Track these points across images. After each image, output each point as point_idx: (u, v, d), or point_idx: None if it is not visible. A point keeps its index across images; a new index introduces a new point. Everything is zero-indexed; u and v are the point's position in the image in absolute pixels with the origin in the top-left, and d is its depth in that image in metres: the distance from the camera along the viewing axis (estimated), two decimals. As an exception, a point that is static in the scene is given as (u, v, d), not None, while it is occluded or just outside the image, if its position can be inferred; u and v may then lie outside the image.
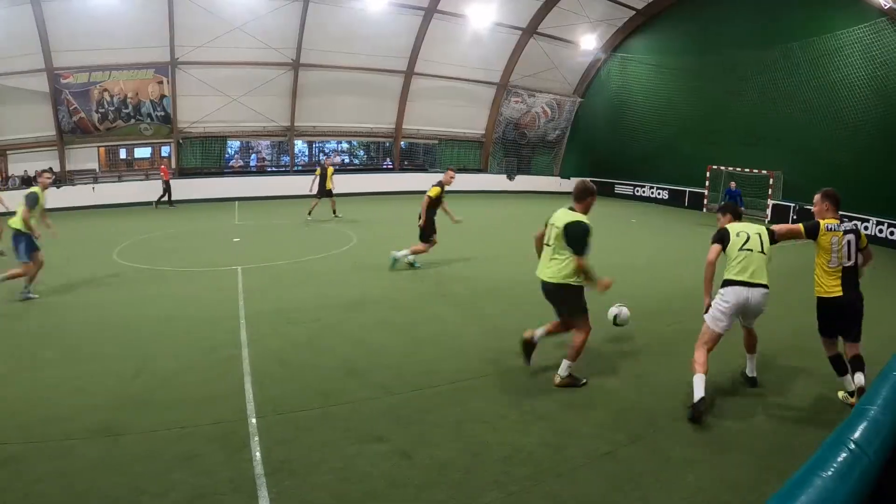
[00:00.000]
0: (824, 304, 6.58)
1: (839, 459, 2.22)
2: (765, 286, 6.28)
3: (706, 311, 6.51)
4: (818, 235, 6.49)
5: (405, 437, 5.29)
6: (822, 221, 6.62)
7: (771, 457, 5.13)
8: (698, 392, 5.79)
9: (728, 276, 6.33)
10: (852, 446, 2.31)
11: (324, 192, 19.78)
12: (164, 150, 26.77)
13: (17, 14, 20.81)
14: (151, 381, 6.45)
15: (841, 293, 6.45)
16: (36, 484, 4.49)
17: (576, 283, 6.59)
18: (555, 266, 6.66)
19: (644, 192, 30.25)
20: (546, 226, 6.83)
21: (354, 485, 4.54)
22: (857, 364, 6.34)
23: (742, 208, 10.41)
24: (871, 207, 20.02)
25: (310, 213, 19.79)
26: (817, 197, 6.97)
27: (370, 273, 11.99)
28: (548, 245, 6.78)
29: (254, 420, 5.55)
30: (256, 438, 5.20)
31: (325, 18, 25.25)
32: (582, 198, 6.64)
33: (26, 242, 9.59)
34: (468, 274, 11.98)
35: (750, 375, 6.82)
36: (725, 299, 6.26)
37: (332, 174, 20.18)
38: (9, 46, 21.38)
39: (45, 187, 10.03)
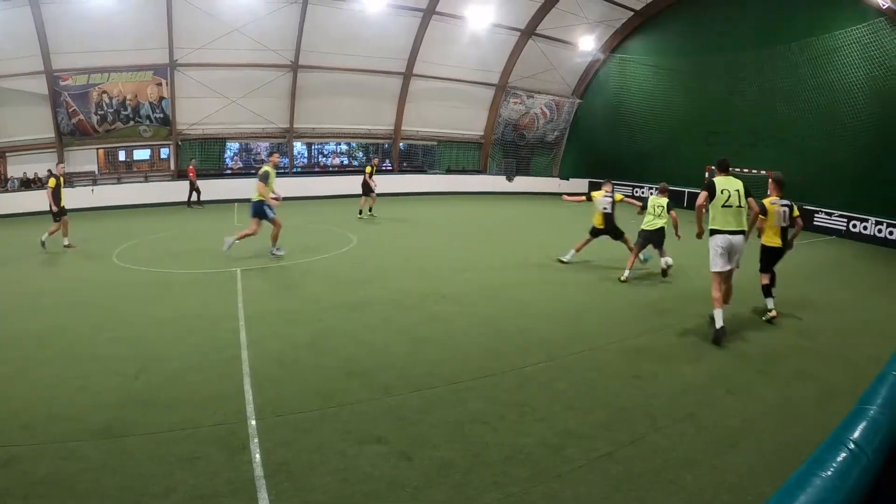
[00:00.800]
0: (768, 251, 9.81)
1: (838, 459, 2.22)
2: (742, 232, 8.48)
3: (698, 236, 9.13)
4: (767, 208, 9.55)
5: (405, 438, 5.29)
6: (769, 199, 9.64)
7: (771, 457, 5.14)
8: (718, 322, 8.22)
9: (714, 227, 8.47)
10: (851, 446, 2.32)
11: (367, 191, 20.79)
12: (164, 152, 26.76)
13: (16, 16, 20.83)
14: (153, 381, 6.45)
15: (780, 244, 9.71)
16: (38, 485, 4.48)
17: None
18: (742, 217, 8.49)
19: (643, 192, 30.27)
20: (719, 194, 8.40)
21: (354, 486, 4.53)
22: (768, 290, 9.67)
23: None
24: (870, 207, 20.09)
25: (370, 211, 21.44)
26: (770, 182, 9.88)
27: (370, 274, 12.00)
28: (729, 207, 8.39)
29: (253, 422, 5.54)
30: (256, 440, 5.20)
31: (323, 20, 25.27)
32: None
33: (264, 207, 12.85)
34: (468, 275, 11.98)
35: (719, 326, 8.30)
36: (717, 244, 8.41)
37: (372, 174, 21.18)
38: (8, 48, 21.41)
39: (275, 165, 13.36)
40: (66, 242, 14.48)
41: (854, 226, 20.53)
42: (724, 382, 6.86)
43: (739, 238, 8.38)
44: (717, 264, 8.42)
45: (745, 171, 23.34)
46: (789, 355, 7.98)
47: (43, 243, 14.26)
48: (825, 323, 9.71)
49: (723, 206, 8.35)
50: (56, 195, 14.17)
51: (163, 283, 11.00)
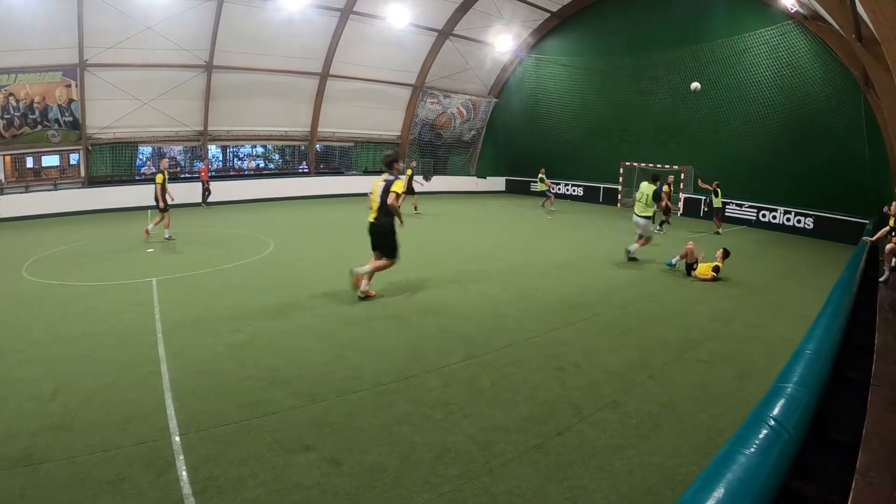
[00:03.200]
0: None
1: (760, 436, 2.34)
2: (645, 217, 13.63)
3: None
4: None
5: (333, 445, 5.25)
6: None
7: (694, 437, 5.39)
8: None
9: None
10: (772, 423, 2.44)
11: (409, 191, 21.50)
12: (73, 158, 25.60)
13: None
14: (69, 403, 6.11)
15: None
16: None
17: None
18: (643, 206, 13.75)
19: (559, 189, 30.96)
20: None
21: (285, 497, 4.48)
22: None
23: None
24: (778, 198, 21.19)
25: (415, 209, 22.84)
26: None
27: (289, 279, 11.84)
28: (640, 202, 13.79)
29: (178, 438, 5.37)
30: (182, 457, 5.04)
31: (239, 19, 24.68)
32: None
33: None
34: (385, 277, 11.94)
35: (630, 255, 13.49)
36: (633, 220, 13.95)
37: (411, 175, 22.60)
38: None
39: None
40: (166, 235, 16.46)
41: (763, 215, 21.64)
42: (645, 369, 7.15)
43: (639, 219, 13.93)
44: (636, 229, 14.16)
45: (658, 166, 24.29)
46: (705, 340, 8.38)
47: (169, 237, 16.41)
48: (738, 307, 10.27)
49: (637, 200, 13.99)
50: (163, 189, 16.38)
51: (76, 297, 10.48)
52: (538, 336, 8.38)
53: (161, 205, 16.36)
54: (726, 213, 22.30)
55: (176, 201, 17.81)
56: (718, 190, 20.26)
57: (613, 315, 9.56)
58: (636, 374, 7.00)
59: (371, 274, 10.39)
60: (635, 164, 26.06)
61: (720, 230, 20.26)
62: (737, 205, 22.46)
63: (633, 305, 10.19)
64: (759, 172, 22.15)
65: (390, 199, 10.27)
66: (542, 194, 26.74)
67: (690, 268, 12.55)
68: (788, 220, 21.05)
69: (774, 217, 21.45)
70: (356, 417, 5.81)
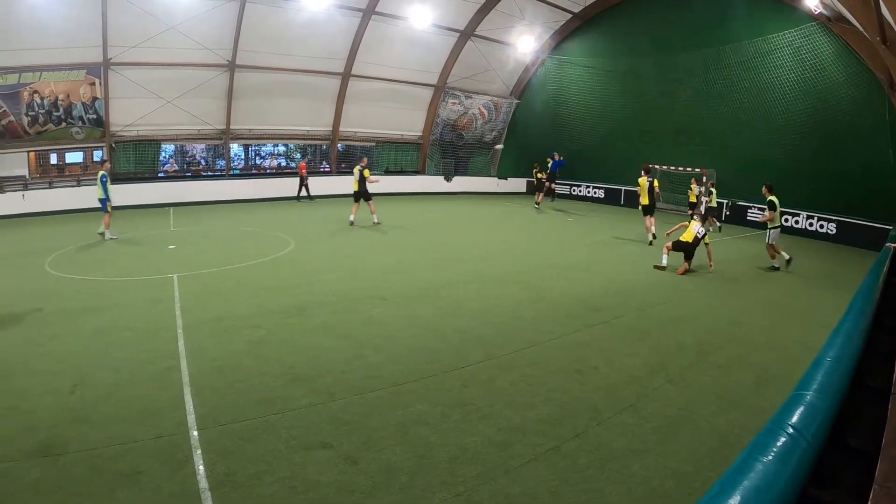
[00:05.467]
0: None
1: (778, 444, 2.31)
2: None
3: None
4: None
5: (350, 443, 5.28)
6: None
7: (712, 442, 5.35)
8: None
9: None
10: (790, 430, 2.41)
11: (541, 187, 22.87)
12: (97, 155, 25.89)
13: None
14: (89, 396, 6.22)
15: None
16: None
17: None
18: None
19: (580, 191, 30.82)
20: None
21: (301, 494, 4.51)
22: None
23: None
24: (801, 202, 20.94)
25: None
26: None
27: (308, 277, 11.89)
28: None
29: (196, 433, 5.43)
30: (199, 451, 5.10)
31: (261, 19, 24.81)
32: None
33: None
34: (404, 276, 12.00)
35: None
36: None
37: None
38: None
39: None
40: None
41: (785, 220, 21.34)
42: (663, 373, 7.10)
43: None
44: None
45: (680, 169, 24.08)
46: (724, 345, 8.31)
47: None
48: (758, 312, 10.15)
49: None
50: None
51: (97, 292, 10.62)
52: (556, 338, 8.35)
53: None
54: (747, 217, 22.11)
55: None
56: (713, 190, 20.29)
57: (632, 318, 9.50)
58: (654, 377, 6.97)
59: None
60: (657, 166, 25.82)
61: (720, 227, 20.69)
62: (758, 209, 22.16)
63: (652, 308, 10.12)
64: (780, 176, 21.69)
65: None
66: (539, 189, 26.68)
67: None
68: (811, 224, 20.80)
69: (797, 222, 21.19)
70: (373, 416, 5.83)
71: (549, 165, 26.64)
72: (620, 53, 28.32)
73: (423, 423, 5.67)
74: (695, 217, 13.26)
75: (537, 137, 32.69)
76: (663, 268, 13.16)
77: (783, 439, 2.37)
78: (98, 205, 16.55)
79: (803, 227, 20.90)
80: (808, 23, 20.76)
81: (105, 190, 16.20)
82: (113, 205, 16.69)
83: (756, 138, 22.62)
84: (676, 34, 25.40)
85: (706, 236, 13.00)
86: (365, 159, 20.01)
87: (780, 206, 13.93)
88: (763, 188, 14.62)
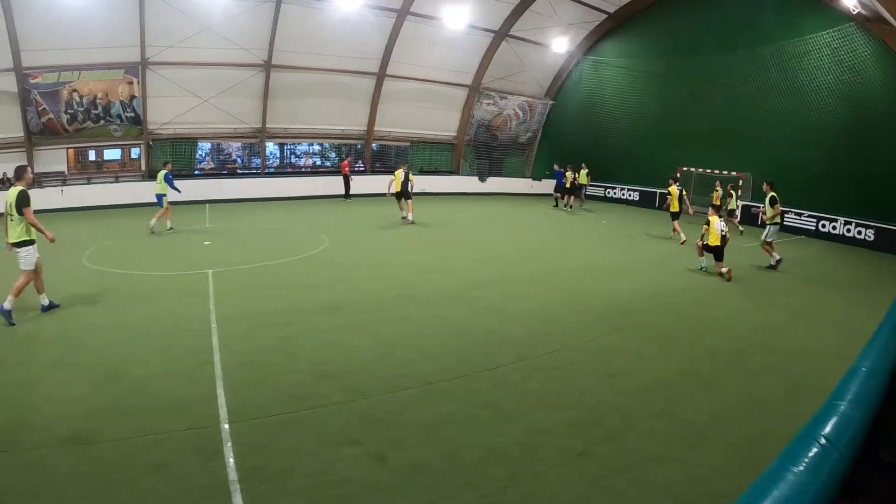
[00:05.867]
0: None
1: (810, 454, 2.26)
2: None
3: None
4: None
5: (379, 441, 5.30)
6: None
7: (741, 451, 5.26)
8: None
9: None
10: (823, 441, 2.36)
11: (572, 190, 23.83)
12: (134, 152, 26.35)
13: None
14: (123, 387, 6.36)
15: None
16: (5, 494, 4.42)
17: None
18: None
19: (615, 193, 30.51)
20: None
21: (329, 489, 4.54)
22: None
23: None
24: (839, 208, 20.48)
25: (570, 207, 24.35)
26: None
27: (342, 275, 11.96)
28: None
29: (226, 426, 5.51)
30: (229, 444, 5.17)
31: (297, 19, 25.03)
32: None
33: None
34: (437, 276, 12.01)
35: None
36: None
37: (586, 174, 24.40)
38: (-24, 45, 20.98)
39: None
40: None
41: (823, 225, 20.89)
42: (694, 378, 7.00)
43: None
44: None
45: (715, 172, 23.73)
46: (757, 351, 8.15)
47: None
48: (792, 319, 9.94)
49: None
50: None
51: (133, 286, 10.83)
52: (588, 340, 8.29)
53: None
54: (785, 223, 21.70)
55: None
56: (733, 193, 20.04)
57: (664, 322, 9.38)
58: (685, 383, 6.87)
59: None
60: (692, 168, 25.45)
61: (741, 231, 20.29)
62: (795, 214, 21.72)
63: (684, 313, 9.98)
64: (817, 180, 21.35)
65: None
66: (570, 192, 26.44)
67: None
68: (848, 230, 20.26)
69: (834, 227, 20.67)
70: (403, 415, 5.85)
71: (555, 174, 27.32)
72: (655, 54, 27.98)
73: (451, 423, 5.67)
74: (711, 213, 13.12)
75: (572, 139, 32.43)
76: (704, 269, 13.01)
77: (815, 449, 2.33)
78: (154, 199, 17.86)
79: (840, 232, 20.37)
80: (845, 23, 20.29)
81: (169, 186, 17.56)
82: (158, 201, 17.62)
83: (792, 141, 22.09)
84: (711, 35, 24.98)
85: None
86: (406, 164, 21.28)
87: (816, 211, 13.69)
88: (764, 185, 14.65)
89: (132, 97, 24.60)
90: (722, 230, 12.67)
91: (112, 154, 26.33)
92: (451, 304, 10.00)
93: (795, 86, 21.94)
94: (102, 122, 24.53)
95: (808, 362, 7.82)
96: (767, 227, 14.15)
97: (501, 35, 29.42)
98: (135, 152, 26.34)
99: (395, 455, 5.06)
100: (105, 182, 25.49)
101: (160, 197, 17.52)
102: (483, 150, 33.35)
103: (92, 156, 25.95)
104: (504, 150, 33.93)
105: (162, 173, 17.78)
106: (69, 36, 22.05)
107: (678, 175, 18.17)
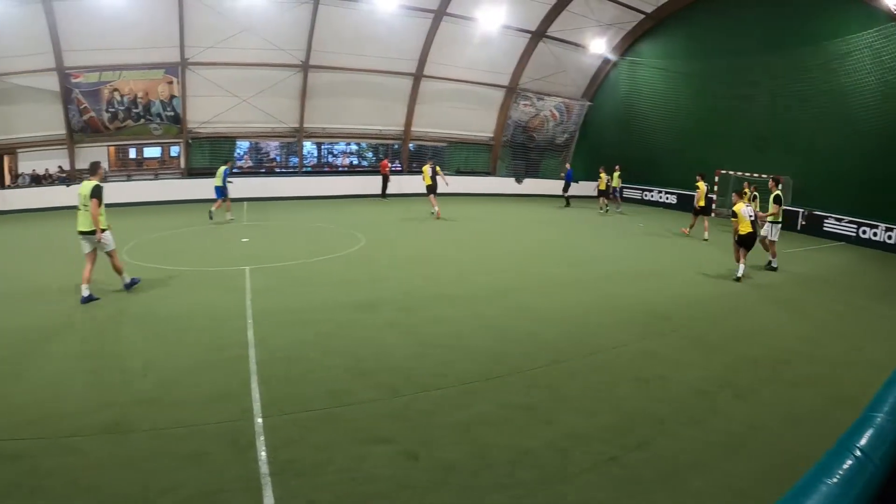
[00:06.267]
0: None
1: (844, 466, 2.20)
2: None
3: None
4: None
5: (412, 439, 5.30)
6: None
7: (777, 462, 5.12)
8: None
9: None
10: (858, 453, 2.29)
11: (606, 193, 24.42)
12: (174, 150, 26.86)
13: (29, 14, 20.95)
14: (160, 379, 6.49)
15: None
16: (44, 479, 4.53)
17: None
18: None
19: (652, 196, 30.12)
20: None
21: (360, 486, 4.55)
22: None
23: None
24: (880, 213, 19.91)
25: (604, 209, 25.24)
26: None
27: (378, 274, 12.01)
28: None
29: (260, 420, 5.57)
30: (263, 438, 5.22)
31: (334, 20, 25.27)
32: None
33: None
34: (474, 277, 11.98)
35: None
36: None
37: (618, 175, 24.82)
38: (21, 46, 21.53)
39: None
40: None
41: (864, 232, 20.33)
42: (731, 387, 6.84)
43: None
44: None
45: (755, 175, 23.28)
46: (796, 361, 7.94)
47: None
48: (832, 329, 9.67)
49: None
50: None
51: (172, 280, 11.06)
52: (625, 345, 8.18)
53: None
54: (823, 228, 21.18)
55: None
56: (756, 195, 19.57)
57: (702, 329, 9.21)
58: (722, 391, 6.72)
59: None
60: (731, 172, 24.98)
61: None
62: (835, 219, 21.18)
63: (723, 320, 9.79)
64: (858, 185, 20.75)
65: None
66: (604, 194, 26.18)
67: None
68: (890, 237, 19.59)
69: (875, 234, 20.08)
70: (436, 414, 5.85)
71: (566, 175, 27.98)
72: (694, 55, 27.52)
73: (485, 424, 5.65)
74: (735, 199, 12.92)
75: (609, 141, 32.13)
76: (739, 279, 12.70)
77: (850, 462, 2.25)
78: (213, 193, 19.75)
79: (882, 239, 19.71)
80: (886, 23, 19.77)
81: (224, 180, 19.44)
82: (217, 194, 19.59)
83: (835, 144, 21.51)
84: (752, 35, 24.40)
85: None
86: (433, 160, 21.89)
87: (856, 217, 13.36)
88: (769, 182, 14.50)
89: (172, 96, 25.10)
90: (750, 215, 12.46)
91: (152, 152, 26.94)
92: (489, 305, 9.97)
93: (837, 87, 21.39)
94: (143, 120, 25.11)
95: (848, 373, 7.60)
96: (770, 226, 13.97)
97: (538, 36, 29.33)
98: (174, 150, 26.88)
99: (427, 454, 5.05)
100: (144, 179, 26.04)
101: (218, 189, 19.43)
102: (520, 151, 33.31)
103: (132, 153, 26.56)
104: (541, 151, 33.81)
105: (222, 169, 19.72)
106: (110, 37, 22.64)
107: (704, 174, 18.26)
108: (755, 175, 23.35)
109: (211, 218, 18.85)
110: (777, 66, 23.34)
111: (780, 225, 14.07)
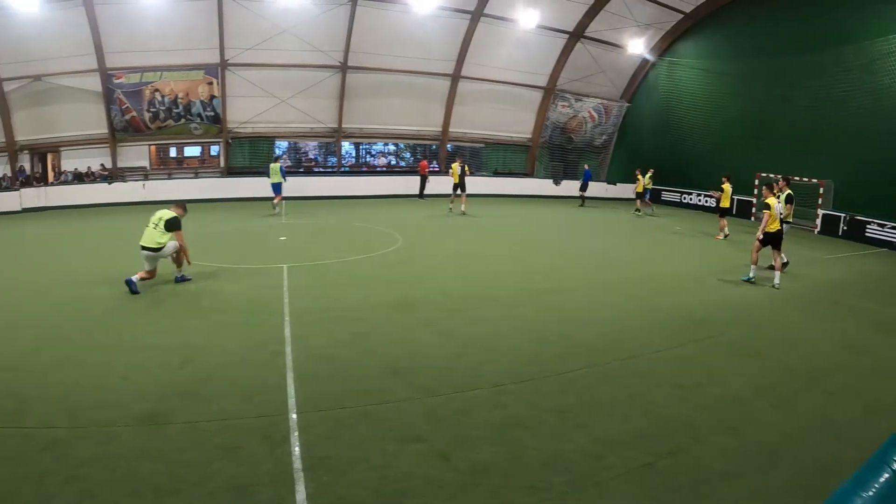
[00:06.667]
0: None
1: (880, 480, 2.17)
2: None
3: None
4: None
5: (444, 439, 5.33)
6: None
7: (812, 474, 5.03)
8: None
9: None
10: (895, 467, 2.25)
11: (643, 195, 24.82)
12: (214, 149, 27.35)
13: (72, 16, 21.68)
14: (197, 372, 6.64)
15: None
16: (79, 467, 4.67)
17: None
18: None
19: (691, 199, 29.69)
20: None
21: (392, 484, 4.59)
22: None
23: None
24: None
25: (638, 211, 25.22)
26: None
27: (415, 274, 12.08)
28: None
29: (295, 415, 5.66)
30: (296, 433, 5.31)
31: (372, 21, 25.48)
32: None
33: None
34: (511, 279, 11.96)
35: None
36: None
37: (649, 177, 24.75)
38: (64, 48, 22.26)
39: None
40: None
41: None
42: (769, 396, 6.71)
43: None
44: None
45: (795, 178, 22.77)
46: (836, 370, 7.75)
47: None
48: (873, 338, 9.39)
49: None
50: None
51: (211, 276, 11.28)
52: (661, 350, 8.08)
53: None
54: (866, 233, 20.62)
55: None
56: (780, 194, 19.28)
57: (740, 335, 9.04)
58: (759, 399, 6.59)
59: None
60: (771, 175, 24.44)
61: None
62: (878, 225, 20.59)
63: (761, 327, 9.58)
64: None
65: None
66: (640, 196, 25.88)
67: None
68: (930, 244, 19.12)
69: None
70: (470, 414, 5.87)
71: (584, 176, 28.16)
72: (734, 55, 26.98)
73: (518, 426, 5.65)
74: (766, 193, 12.63)
75: (648, 142, 31.76)
76: (751, 280, 12.47)
77: (886, 476, 2.23)
78: (271, 190, 21.65)
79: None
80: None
81: (282, 176, 21.57)
82: (274, 190, 21.54)
83: (878, 147, 20.82)
84: (792, 35, 23.78)
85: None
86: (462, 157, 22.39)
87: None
88: (780, 181, 14.41)
89: (212, 97, 25.55)
90: (780, 213, 12.21)
91: (192, 151, 27.48)
92: (525, 307, 9.93)
93: (882, 87, 20.77)
94: (183, 120, 25.63)
95: (888, 384, 7.38)
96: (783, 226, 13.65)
97: (576, 36, 29.17)
98: (214, 149, 27.34)
99: (460, 454, 5.07)
100: (185, 178, 26.54)
101: (275, 186, 21.38)
102: (557, 152, 33.10)
103: (173, 152, 27.14)
104: (579, 153, 33.48)
105: (277, 166, 21.60)
106: (151, 39, 23.23)
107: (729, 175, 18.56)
108: (795, 178, 22.87)
109: (275, 209, 21.14)
110: (817, 65, 22.71)
111: (789, 225, 14.07)
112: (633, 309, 10.17)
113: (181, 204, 11.32)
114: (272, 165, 21.80)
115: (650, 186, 26.60)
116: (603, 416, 5.92)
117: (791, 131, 24.23)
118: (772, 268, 12.66)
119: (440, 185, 27.89)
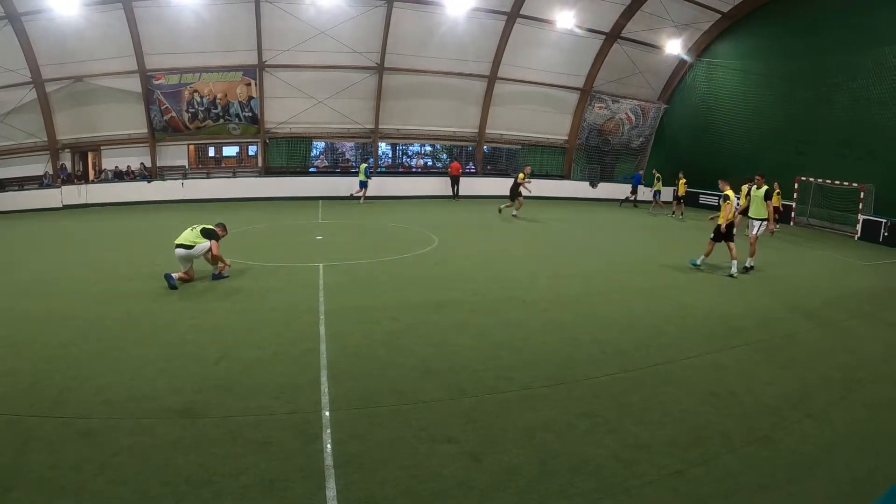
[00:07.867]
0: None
1: None
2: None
3: None
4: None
5: (475, 441, 5.35)
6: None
7: (847, 488, 4.93)
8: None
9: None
10: None
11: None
12: (251, 149, 27.74)
13: (112, 19, 22.35)
14: (232, 368, 6.78)
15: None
16: (114, 457, 4.84)
17: None
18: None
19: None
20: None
21: (422, 483, 4.63)
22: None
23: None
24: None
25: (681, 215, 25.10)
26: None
27: (450, 275, 12.11)
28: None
29: (328, 413, 5.74)
30: (329, 431, 5.39)
31: (408, 23, 25.63)
32: None
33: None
34: (546, 282, 11.91)
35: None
36: None
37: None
38: (105, 49, 22.94)
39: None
40: None
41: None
42: (804, 406, 6.57)
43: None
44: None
45: (836, 183, 22.26)
46: (873, 382, 7.54)
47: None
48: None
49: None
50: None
51: (247, 275, 11.47)
52: (695, 357, 7.97)
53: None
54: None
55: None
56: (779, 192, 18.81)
57: (776, 343, 8.87)
58: (794, 410, 6.45)
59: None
60: (812, 179, 23.87)
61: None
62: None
63: (798, 335, 9.38)
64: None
65: None
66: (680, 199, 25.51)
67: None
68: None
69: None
70: (501, 417, 5.88)
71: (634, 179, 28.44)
72: (773, 56, 26.32)
73: (549, 430, 5.64)
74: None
75: (685, 144, 31.26)
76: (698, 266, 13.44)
77: None
78: (358, 185, 25.53)
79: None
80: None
81: (367, 175, 25.50)
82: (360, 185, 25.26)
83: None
84: (832, 34, 23.00)
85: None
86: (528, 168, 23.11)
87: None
88: (756, 178, 15.19)
89: (250, 98, 25.93)
90: (737, 206, 13.12)
91: (230, 151, 27.89)
92: (560, 311, 9.89)
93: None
94: (221, 120, 26.07)
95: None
96: (759, 223, 14.58)
97: (613, 37, 28.90)
98: (252, 149, 27.71)
99: (491, 456, 5.09)
100: (223, 177, 26.97)
101: (362, 182, 25.37)
102: (594, 154, 32.77)
103: (211, 152, 27.62)
104: (616, 155, 33.11)
105: (363, 167, 25.78)
106: (190, 41, 23.74)
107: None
108: (837, 182, 22.35)
109: (360, 201, 25.05)
110: (858, 66, 22.05)
111: (766, 223, 14.58)
112: (670, 314, 10.02)
113: (223, 225, 11.66)
114: (361, 166, 26.20)
115: (661, 188, 27.34)
116: (634, 423, 5.88)
117: (831, 134, 23.54)
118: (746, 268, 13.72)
119: (478, 186, 27.90)
